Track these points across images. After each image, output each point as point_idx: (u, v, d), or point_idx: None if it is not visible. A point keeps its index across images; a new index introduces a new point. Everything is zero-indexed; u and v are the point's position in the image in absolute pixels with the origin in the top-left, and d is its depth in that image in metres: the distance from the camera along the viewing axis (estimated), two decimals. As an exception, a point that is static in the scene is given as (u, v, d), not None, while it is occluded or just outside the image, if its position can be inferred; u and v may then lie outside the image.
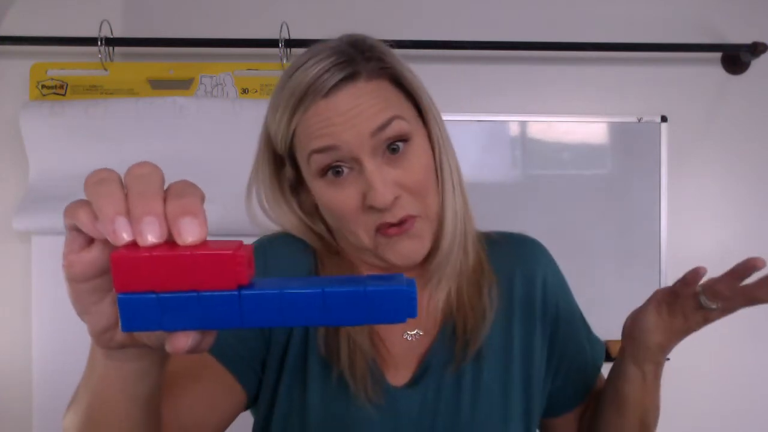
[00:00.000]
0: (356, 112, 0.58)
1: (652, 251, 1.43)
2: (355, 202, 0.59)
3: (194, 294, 0.31)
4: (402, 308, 0.32)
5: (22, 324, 1.30)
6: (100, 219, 0.32)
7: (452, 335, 0.65)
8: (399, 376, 0.64)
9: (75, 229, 0.34)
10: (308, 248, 0.68)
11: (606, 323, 1.42)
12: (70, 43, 1.29)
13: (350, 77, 0.59)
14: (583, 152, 1.43)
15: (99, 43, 1.27)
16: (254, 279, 0.33)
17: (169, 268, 0.31)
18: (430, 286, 0.66)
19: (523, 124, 1.41)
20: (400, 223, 0.59)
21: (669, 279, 1.43)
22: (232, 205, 1.27)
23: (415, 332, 0.66)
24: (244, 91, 1.34)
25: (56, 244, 1.25)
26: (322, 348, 0.63)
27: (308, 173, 0.62)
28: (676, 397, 1.46)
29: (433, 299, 0.66)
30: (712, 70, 1.47)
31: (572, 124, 1.42)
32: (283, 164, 0.66)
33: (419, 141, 0.61)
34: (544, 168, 1.42)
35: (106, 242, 0.33)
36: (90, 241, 0.34)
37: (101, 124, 1.25)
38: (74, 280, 0.35)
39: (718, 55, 1.47)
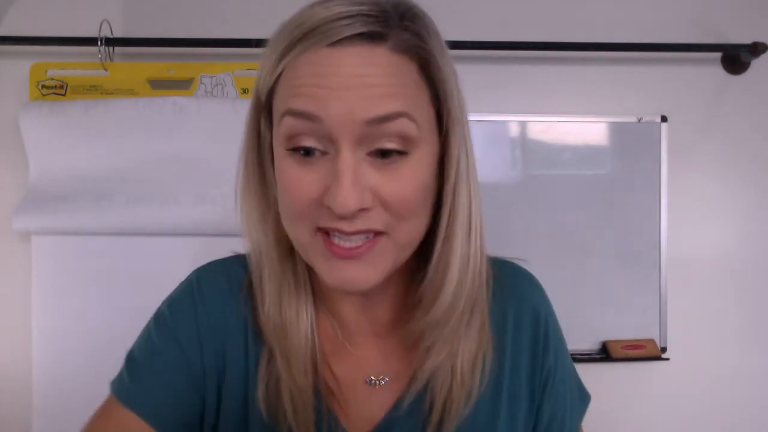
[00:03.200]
0: (359, 83, 0.44)
1: (652, 251, 1.43)
2: (311, 193, 0.46)
3: None
4: None
5: (22, 324, 1.30)
6: None
7: (430, 408, 0.54)
8: (358, 427, 0.55)
9: None
10: (242, 289, 0.58)
11: (606, 323, 1.42)
12: (70, 43, 1.29)
13: (372, 37, 0.45)
14: (583, 152, 1.42)
15: (99, 43, 1.27)
16: None
17: None
18: (418, 349, 0.53)
19: (523, 124, 1.41)
20: (353, 242, 0.46)
21: (669, 279, 1.43)
22: (231, 206, 1.27)
23: (380, 377, 0.56)
24: (244, 91, 1.34)
25: (56, 244, 1.25)
26: (264, 413, 0.53)
27: (276, 134, 0.49)
28: (676, 397, 1.46)
29: (417, 363, 0.54)
30: (712, 70, 1.47)
31: (572, 125, 1.42)
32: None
33: (422, 155, 0.48)
34: (544, 168, 1.41)
35: None
36: None
37: (101, 124, 1.25)
38: None
39: (718, 55, 1.46)
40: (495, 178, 1.40)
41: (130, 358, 0.58)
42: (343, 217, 0.45)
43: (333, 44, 0.45)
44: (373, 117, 0.44)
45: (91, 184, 1.25)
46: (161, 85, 1.33)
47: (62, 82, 1.32)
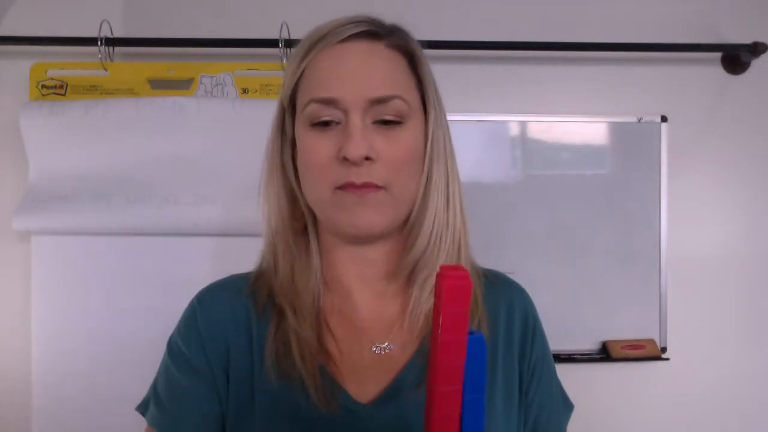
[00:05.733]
0: (366, 70, 0.58)
1: (652, 251, 1.43)
2: (329, 152, 0.58)
3: None
4: None
5: (22, 324, 1.30)
6: None
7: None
8: (365, 392, 0.59)
9: None
10: (242, 292, 0.64)
11: (605, 323, 1.42)
12: (70, 43, 1.29)
13: (371, 35, 0.60)
14: (583, 152, 1.43)
15: (99, 43, 1.27)
16: None
17: None
18: (412, 293, 0.62)
19: (523, 124, 1.41)
20: (362, 185, 0.57)
21: (669, 279, 1.43)
22: (232, 205, 1.27)
23: (385, 345, 0.62)
24: (244, 91, 1.34)
25: (56, 245, 1.25)
26: (274, 375, 0.59)
27: (300, 121, 0.61)
28: (676, 397, 1.46)
29: (413, 310, 0.61)
30: (712, 70, 1.47)
31: (572, 124, 1.42)
32: (285, 118, 0.64)
33: (413, 126, 0.60)
34: (544, 168, 1.42)
35: None
36: None
37: (101, 124, 1.25)
38: None
39: (718, 55, 1.46)
40: (495, 178, 1.40)
41: (157, 394, 0.64)
42: (354, 164, 0.56)
43: (343, 41, 0.59)
44: (376, 97, 0.57)
45: (91, 184, 1.25)
46: (161, 85, 1.33)
47: (62, 82, 1.32)
